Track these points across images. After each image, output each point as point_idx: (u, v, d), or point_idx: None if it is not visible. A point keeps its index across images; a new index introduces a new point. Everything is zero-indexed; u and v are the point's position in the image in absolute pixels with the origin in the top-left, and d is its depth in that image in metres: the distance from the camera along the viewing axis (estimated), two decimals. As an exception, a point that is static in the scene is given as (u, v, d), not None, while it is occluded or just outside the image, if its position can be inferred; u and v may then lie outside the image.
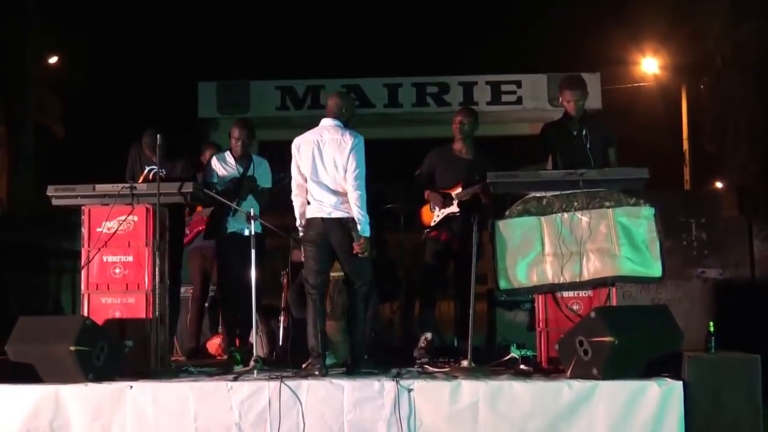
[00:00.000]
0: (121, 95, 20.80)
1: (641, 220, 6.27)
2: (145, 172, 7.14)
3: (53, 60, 21.15)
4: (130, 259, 6.48)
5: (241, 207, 6.95)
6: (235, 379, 5.83)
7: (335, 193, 6.27)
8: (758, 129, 17.87)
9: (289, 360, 6.38)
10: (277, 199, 7.38)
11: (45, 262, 10.45)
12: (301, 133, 6.51)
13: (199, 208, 7.50)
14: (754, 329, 8.11)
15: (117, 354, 6.06)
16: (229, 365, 6.70)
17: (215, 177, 7.26)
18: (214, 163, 7.36)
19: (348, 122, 6.46)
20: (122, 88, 21.13)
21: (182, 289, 7.70)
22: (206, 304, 8.04)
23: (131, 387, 5.74)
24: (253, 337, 6.54)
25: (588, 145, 6.73)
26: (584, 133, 6.76)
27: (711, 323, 5.86)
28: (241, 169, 7.29)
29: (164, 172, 6.95)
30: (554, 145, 6.91)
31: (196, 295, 7.88)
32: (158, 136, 6.54)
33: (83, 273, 6.52)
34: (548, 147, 6.97)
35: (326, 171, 6.30)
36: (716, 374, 5.63)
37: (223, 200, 6.96)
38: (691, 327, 6.29)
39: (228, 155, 7.37)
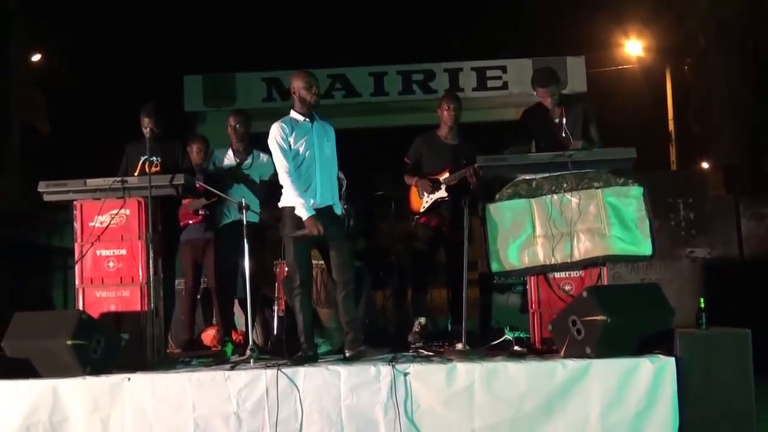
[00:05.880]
0: (106, 91, 20.72)
1: (630, 200, 6.31)
2: (140, 162, 7.15)
3: (38, 57, 21.07)
4: (124, 252, 6.49)
5: (234, 197, 6.98)
6: (232, 369, 5.85)
7: None
8: (743, 108, 17.91)
9: (284, 348, 6.41)
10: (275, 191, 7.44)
11: (34, 259, 10.45)
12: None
13: (185, 201, 7.50)
14: (743, 307, 8.21)
15: (113, 347, 6.06)
16: (223, 355, 6.74)
17: (211, 167, 7.37)
18: (215, 155, 7.52)
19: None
20: (107, 83, 21.05)
21: (177, 282, 7.72)
22: (198, 296, 8.08)
23: (129, 379, 5.75)
24: (248, 327, 6.55)
25: (568, 131, 6.74)
26: (564, 120, 6.77)
27: (702, 300, 5.91)
28: (237, 161, 7.36)
29: (159, 159, 7.00)
30: (535, 131, 6.91)
31: (188, 287, 7.89)
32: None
33: (77, 267, 6.53)
34: (529, 133, 6.94)
35: None
36: (708, 350, 5.68)
37: (214, 191, 6.99)
38: (681, 306, 6.31)
39: (228, 148, 7.50)
